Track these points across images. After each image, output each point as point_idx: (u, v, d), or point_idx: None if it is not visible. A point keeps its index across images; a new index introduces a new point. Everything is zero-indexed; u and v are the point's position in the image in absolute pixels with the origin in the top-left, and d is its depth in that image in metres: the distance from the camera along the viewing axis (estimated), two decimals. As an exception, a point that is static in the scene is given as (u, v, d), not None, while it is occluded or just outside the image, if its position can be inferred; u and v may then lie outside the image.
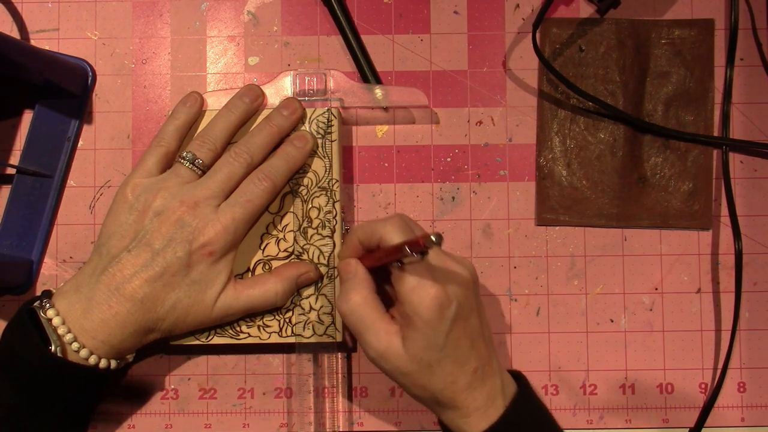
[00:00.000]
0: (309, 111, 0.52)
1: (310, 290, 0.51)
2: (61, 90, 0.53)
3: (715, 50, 0.55)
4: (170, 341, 0.50)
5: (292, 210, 0.51)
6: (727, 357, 0.53)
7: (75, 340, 0.45)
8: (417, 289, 0.42)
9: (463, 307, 0.43)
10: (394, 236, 0.44)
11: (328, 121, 0.52)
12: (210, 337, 0.50)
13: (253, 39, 0.56)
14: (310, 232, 0.51)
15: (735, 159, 0.55)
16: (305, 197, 0.51)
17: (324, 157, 0.51)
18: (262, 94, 0.52)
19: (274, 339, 0.51)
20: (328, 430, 0.54)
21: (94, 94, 0.55)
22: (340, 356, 0.54)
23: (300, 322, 0.51)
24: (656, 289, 0.55)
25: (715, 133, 0.55)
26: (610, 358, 0.54)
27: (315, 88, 0.53)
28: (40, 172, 0.54)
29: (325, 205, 0.51)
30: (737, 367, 0.54)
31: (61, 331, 0.45)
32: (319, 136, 0.51)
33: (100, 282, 0.46)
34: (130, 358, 0.49)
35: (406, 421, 0.54)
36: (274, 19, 0.56)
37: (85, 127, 0.55)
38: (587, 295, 0.55)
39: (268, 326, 0.51)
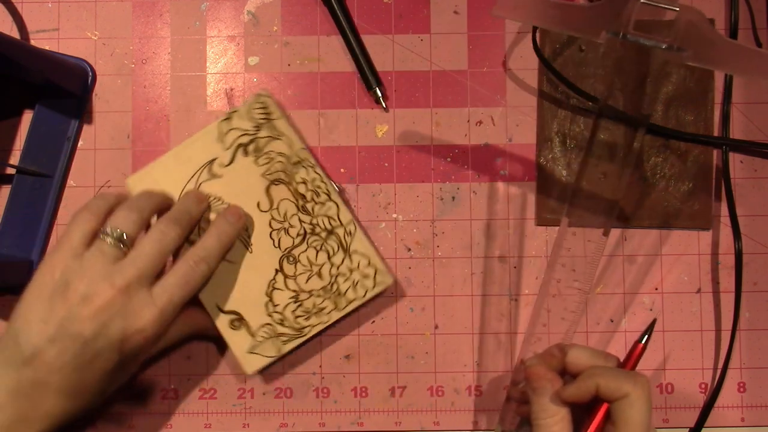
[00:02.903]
0: (242, 106, 0.51)
1: (340, 255, 0.51)
2: (61, 90, 0.53)
3: (715, 50, 0.55)
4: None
5: (283, 198, 0.51)
6: (727, 357, 0.53)
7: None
8: None
9: None
10: (640, 401, 0.41)
11: (263, 106, 0.52)
12: (283, 350, 0.51)
13: (253, 39, 0.56)
14: (309, 206, 0.51)
15: (735, 159, 0.55)
16: (287, 180, 0.51)
17: (280, 136, 0.51)
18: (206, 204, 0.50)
19: (336, 316, 0.51)
20: (328, 430, 0.54)
21: (94, 94, 0.55)
22: (340, 357, 0.54)
23: (349, 287, 0.51)
24: (656, 289, 0.55)
25: (715, 133, 0.55)
26: (610, 358, 0.54)
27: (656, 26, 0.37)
28: (40, 172, 0.54)
29: (307, 175, 0.51)
30: (737, 367, 0.54)
31: None
32: (264, 121, 0.51)
33: (21, 375, 0.43)
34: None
35: (406, 421, 0.54)
36: (274, 19, 0.56)
37: (85, 127, 0.55)
38: (587, 295, 0.55)
39: (323, 308, 0.51)
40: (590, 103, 0.54)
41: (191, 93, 0.55)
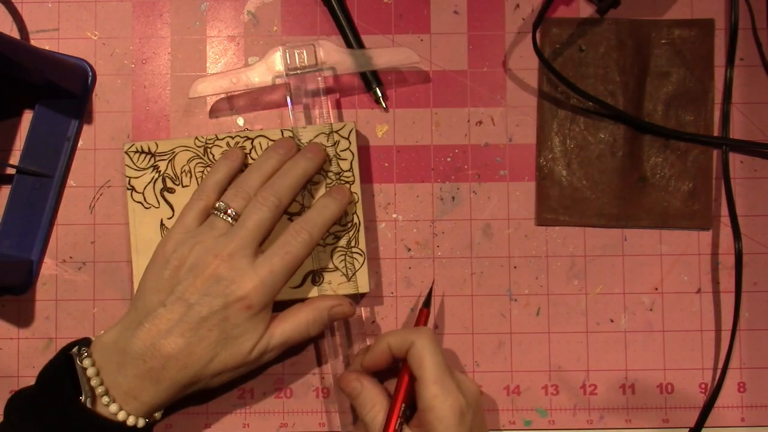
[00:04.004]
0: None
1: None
2: (61, 90, 0.53)
3: (715, 50, 0.55)
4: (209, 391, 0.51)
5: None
6: (727, 357, 0.53)
7: (106, 393, 0.46)
8: (440, 397, 0.44)
9: (476, 415, 0.46)
10: (426, 344, 0.46)
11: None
12: (363, 246, 0.52)
13: (253, 39, 0.56)
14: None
15: (735, 159, 0.55)
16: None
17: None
18: (296, 147, 0.52)
19: (357, 188, 0.52)
20: (328, 430, 0.54)
21: (94, 94, 0.55)
22: (340, 359, 0.54)
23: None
24: (656, 289, 0.55)
25: (715, 133, 0.55)
26: (610, 358, 0.54)
27: (306, 62, 0.52)
28: (40, 172, 0.54)
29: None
30: (737, 367, 0.54)
31: (93, 382, 0.46)
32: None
33: (135, 337, 0.46)
34: (157, 416, 0.48)
35: (406, 421, 0.54)
36: (274, 19, 0.56)
37: (85, 127, 0.55)
38: (587, 295, 0.55)
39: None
40: (590, 103, 0.54)
41: (191, 93, 0.55)
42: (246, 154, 0.52)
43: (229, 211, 0.48)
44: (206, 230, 0.48)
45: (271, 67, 0.52)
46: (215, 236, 0.47)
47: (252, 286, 0.46)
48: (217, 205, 0.49)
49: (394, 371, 0.50)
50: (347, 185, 0.52)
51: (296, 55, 0.52)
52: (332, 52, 0.52)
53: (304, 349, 0.54)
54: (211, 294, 0.46)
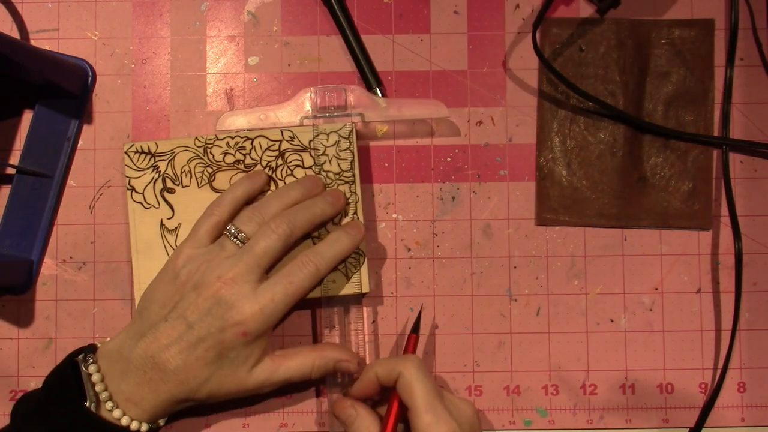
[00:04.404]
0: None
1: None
2: (61, 90, 0.53)
3: (715, 50, 0.55)
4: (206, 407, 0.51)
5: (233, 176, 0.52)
6: (727, 357, 0.53)
7: (110, 399, 0.46)
8: (433, 425, 0.44)
9: None
10: (413, 373, 0.45)
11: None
12: (362, 247, 0.52)
13: (253, 39, 0.56)
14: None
15: (735, 159, 0.55)
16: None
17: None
18: (322, 186, 0.51)
19: (358, 189, 0.52)
20: (327, 429, 0.54)
21: (94, 94, 0.55)
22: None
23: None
24: (656, 289, 0.55)
25: (715, 133, 0.55)
26: (610, 358, 0.54)
27: (335, 104, 0.53)
28: (40, 172, 0.54)
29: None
30: (737, 367, 0.54)
31: (98, 388, 0.46)
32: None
33: (137, 347, 0.47)
34: (161, 422, 0.49)
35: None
36: (274, 19, 0.56)
37: (85, 127, 0.55)
38: (587, 295, 0.55)
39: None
40: (590, 103, 0.54)
41: (191, 93, 0.55)
42: (269, 177, 0.52)
43: (240, 236, 0.48)
44: (217, 250, 0.48)
45: (300, 107, 0.53)
46: (224, 257, 0.47)
47: (250, 313, 0.46)
48: (229, 227, 0.48)
49: (387, 398, 0.49)
50: (346, 185, 0.52)
51: (326, 97, 0.53)
52: (362, 98, 0.53)
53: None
54: (211, 315, 0.46)
